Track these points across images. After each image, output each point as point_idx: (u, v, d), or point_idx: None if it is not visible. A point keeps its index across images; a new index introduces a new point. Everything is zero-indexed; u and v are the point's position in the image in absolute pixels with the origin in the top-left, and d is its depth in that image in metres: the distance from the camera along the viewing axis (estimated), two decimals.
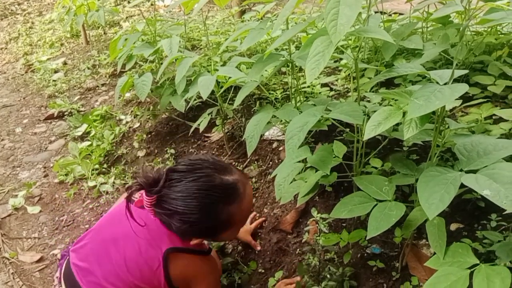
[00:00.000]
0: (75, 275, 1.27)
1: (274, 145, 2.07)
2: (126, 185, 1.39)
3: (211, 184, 1.15)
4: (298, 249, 1.59)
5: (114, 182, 2.44)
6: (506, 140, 1.01)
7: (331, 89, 2.10)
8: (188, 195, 1.13)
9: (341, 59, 1.96)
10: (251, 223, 1.74)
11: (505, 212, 0.82)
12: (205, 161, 1.20)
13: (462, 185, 0.91)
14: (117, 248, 1.24)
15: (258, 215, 1.81)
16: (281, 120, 1.81)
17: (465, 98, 1.59)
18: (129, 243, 1.23)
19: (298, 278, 1.42)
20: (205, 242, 1.36)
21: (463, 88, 0.92)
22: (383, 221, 1.05)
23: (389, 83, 1.93)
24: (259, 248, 1.69)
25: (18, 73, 4.42)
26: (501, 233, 1.11)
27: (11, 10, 6.22)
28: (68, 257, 1.33)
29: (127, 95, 3.13)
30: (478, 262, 0.96)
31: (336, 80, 2.15)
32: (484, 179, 0.89)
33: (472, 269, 0.94)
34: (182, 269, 1.24)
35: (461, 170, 0.98)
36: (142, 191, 1.16)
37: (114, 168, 2.55)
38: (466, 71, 1.17)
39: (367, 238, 1.31)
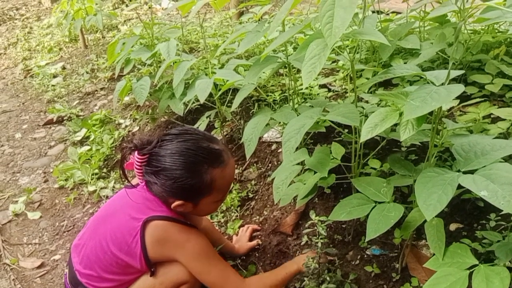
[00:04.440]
0: (71, 253, 1.40)
1: (273, 147, 2.07)
2: (121, 145, 1.46)
3: (198, 145, 1.25)
4: (298, 251, 1.59)
5: (114, 187, 2.44)
6: (503, 140, 1.01)
7: (329, 90, 2.10)
8: (177, 153, 1.22)
9: (338, 60, 1.96)
10: (250, 240, 1.74)
11: (502, 212, 0.82)
12: (196, 130, 1.32)
13: (461, 186, 0.91)
14: (105, 223, 1.33)
15: (258, 234, 1.79)
16: (280, 122, 1.82)
17: (463, 97, 1.59)
18: (115, 218, 1.31)
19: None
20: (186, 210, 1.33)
21: (459, 88, 0.92)
22: (382, 223, 1.05)
23: (387, 83, 1.93)
24: (259, 241, 1.72)
25: (17, 78, 4.42)
26: (500, 233, 1.11)
27: (10, 15, 6.24)
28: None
29: (126, 99, 3.14)
30: (477, 262, 0.96)
31: (334, 81, 2.15)
32: (482, 180, 0.89)
33: (471, 270, 0.94)
34: (156, 233, 1.26)
35: (458, 171, 0.98)
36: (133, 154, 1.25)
37: (114, 173, 2.56)
38: (462, 72, 1.17)
39: (366, 240, 1.31)
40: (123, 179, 1.31)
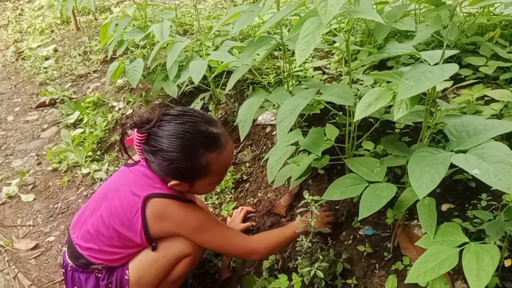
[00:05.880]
0: (70, 231, 1.41)
1: (268, 129, 2.07)
2: (122, 122, 1.46)
3: (196, 129, 1.24)
4: None
5: (107, 169, 2.44)
6: (496, 120, 1.02)
7: (324, 73, 2.09)
8: (174, 135, 1.22)
9: (334, 42, 1.94)
10: (244, 222, 1.76)
11: (492, 189, 0.83)
12: (196, 111, 1.30)
13: (453, 166, 0.92)
14: (107, 199, 1.34)
15: (252, 216, 1.80)
16: (274, 105, 1.81)
17: (457, 79, 1.59)
18: (117, 194, 1.33)
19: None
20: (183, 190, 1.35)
21: (453, 68, 0.92)
22: (374, 202, 1.05)
23: (382, 66, 1.92)
24: (253, 223, 1.73)
25: (9, 60, 4.36)
26: (491, 212, 1.12)
27: None
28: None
29: (119, 81, 3.11)
30: (468, 240, 0.97)
31: (329, 64, 2.14)
32: (474, 159, 0.89)
33: (462, 247, 0.95)
34: (156, 211, 1.28)
35: (451, 151, 0.98)
36: (133, 131, 1.26)
37: (108, 155, 2.55)
38: (456, 51, 1.17)
39: (358, 219, 1.32)
40: (124, 155, 1.32)
